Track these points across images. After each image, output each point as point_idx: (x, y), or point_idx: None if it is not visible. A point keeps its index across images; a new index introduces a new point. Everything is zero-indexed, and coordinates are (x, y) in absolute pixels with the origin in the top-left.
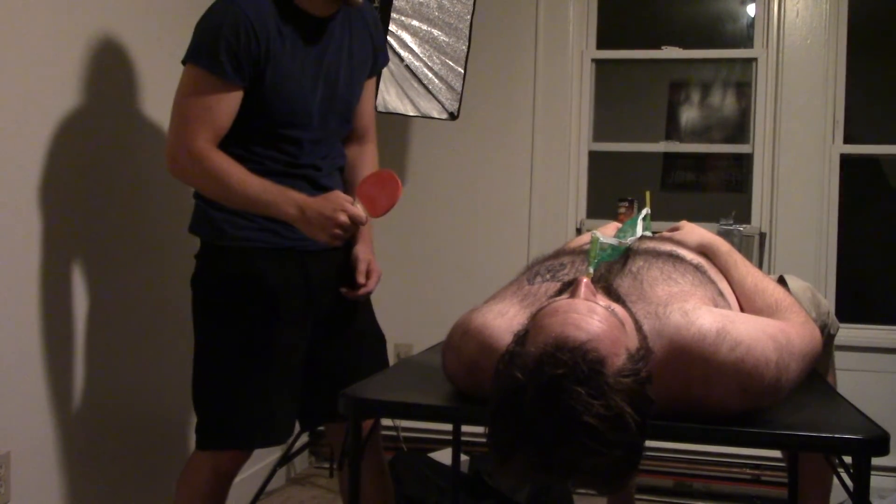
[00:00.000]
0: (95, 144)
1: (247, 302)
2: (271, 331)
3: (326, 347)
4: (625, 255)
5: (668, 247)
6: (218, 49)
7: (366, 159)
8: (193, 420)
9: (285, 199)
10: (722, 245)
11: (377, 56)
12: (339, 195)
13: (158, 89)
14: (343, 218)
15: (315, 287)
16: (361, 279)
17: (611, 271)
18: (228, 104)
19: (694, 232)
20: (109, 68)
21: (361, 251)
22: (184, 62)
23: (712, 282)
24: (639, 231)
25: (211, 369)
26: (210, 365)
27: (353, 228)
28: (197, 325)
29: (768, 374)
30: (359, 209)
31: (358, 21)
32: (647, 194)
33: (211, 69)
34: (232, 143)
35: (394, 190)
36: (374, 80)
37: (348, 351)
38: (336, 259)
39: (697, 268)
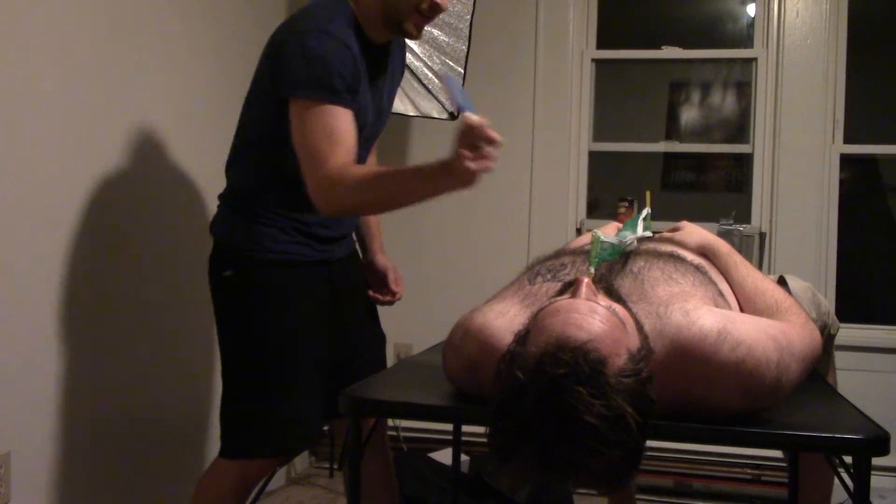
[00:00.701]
0: (96, 145)
1: (280, 313)
2: (302, 339)
3: (341, 349)
4: (625, 256)
5: (668, 247)
6: (332, 80)
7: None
8: (193, 420)
9: (442, 175)
10: (722, 246)
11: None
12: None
13: (167, 90)
14: (490, 150)
15: (337, 290)
16: (395, 287)
17: (612, 271)
18: (349, 124)
19: (694, 232)
20: (118, 68)
21: (384, 260)
22: (293, 96)
23: (713, 282)
24: (639, 231)
25: (243, 379)
26: (242, 374)
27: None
28: (226, 335)
29: (769, 375)
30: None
31: (401, 50)
32: (648, 194)
33: (329, 99)
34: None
35: None
36: None
37: (358, 352)
38: (354, 267)
39: (698, 268)
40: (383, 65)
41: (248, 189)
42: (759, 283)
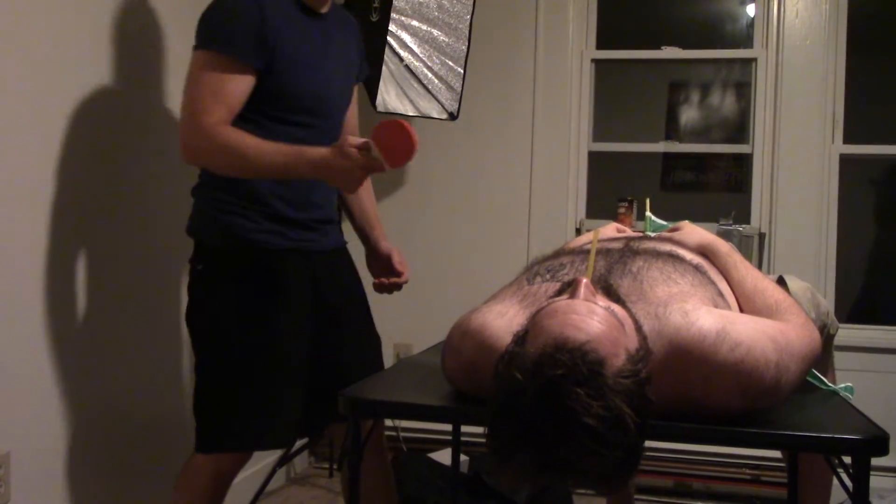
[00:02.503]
0: (97, 146)
1: (252, 304)
2: (276, 332)
3: (329, 349)
4: (624, 255)
5: (667, 247)
6: (229, 30)
7: None
8: (193, 420)
9: (302, 161)
10: (722, 245)
11: (362, 65)
12: (349, 150)
13: (164, 85)
14: (358, 175)
15: (322, 287)
16: (401, 267)
17: (611, 271)
18: (240, 84)
19: (694, 232)
20: (115, 64)
21: (387, 245)
22: (195, 48)
23: (712, 282)
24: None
25: (215, 372)
26: (214, 367)
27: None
28: (197, 329)
29: (768, 376)
30: (376, 157)
31: (347, 26)
32: (647, 202)
33: (222, 50)
34: (245, 129)
35: (410, 145)
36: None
37: (350, 352)
38: (344, 260)
39: (697, 268)
40: (323, 30)
41: (207, 177)
42: (759, 282)
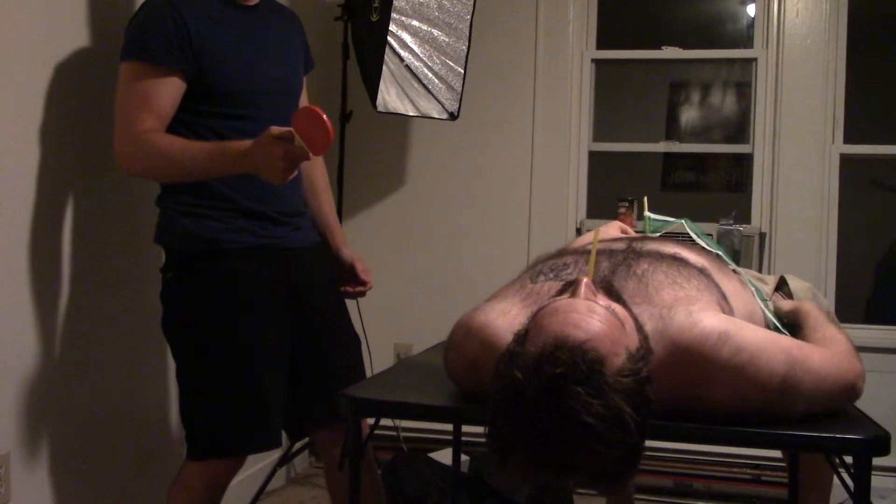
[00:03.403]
0: (99, 148)
1: (226, 305)
2: (254, 332)
3: (308, 351)
4: (629, 257)
5: (671, 249)
6: (147, 39)
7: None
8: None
9: (228, 157)
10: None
11: (307, 58)
12: (272, 140)
13: None
14: (280, 164)
15: (297, 286)
16: (365, 276)
17: (615, 273)
18: (167, 89)
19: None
20: (104, 68)
21: (349, 252)
22: (121, 60)
23: (717, 284)
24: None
25: (198, 378)
26: (197, 374)
27: (298, 164)
28: (175, 338)
29: (771, 387)
30: (300, 146)
31: (285, 19)
32: (645, 200)
33: (143, 58)
34: (185, 133)
35: (325, 131)
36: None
37: (329, 355)
38: (319, 259)
39: (702, 271)
40: (255, 20)
41: (167, 184)
42: (829, 333)
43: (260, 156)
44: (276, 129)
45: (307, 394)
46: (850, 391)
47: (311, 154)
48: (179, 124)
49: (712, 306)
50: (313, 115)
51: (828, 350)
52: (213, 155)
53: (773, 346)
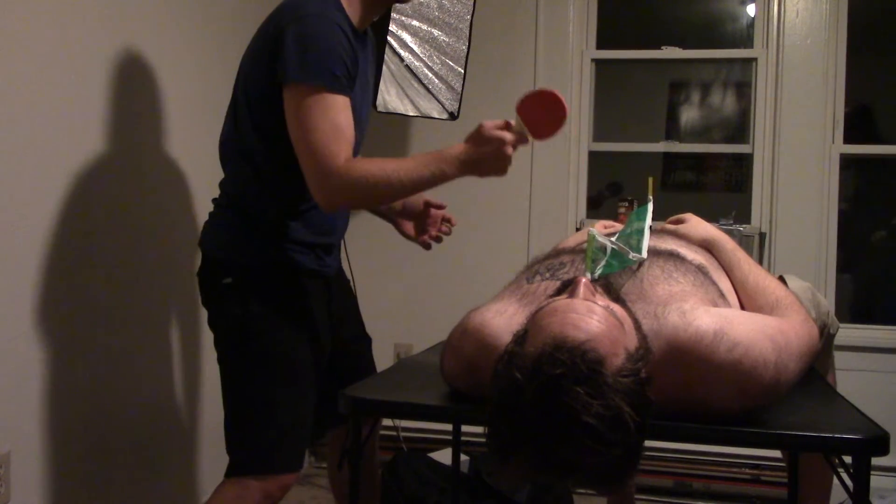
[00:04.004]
0: (98, 148)
1: (285, 317)
2: (309, 350)
3: (331, 378)
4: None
5: (669, 245)
6: (334, 66)
7: None
8: (194, 421)
9: (447, 163)
10: (727, 242)
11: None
12: (491, 131)
13: (169, 96)
14: (509, 152)
15: (334, 307)
16: (443, 213)
17: None
18: (349, 116)
19: (699, 226)
20: (122, 77)
21: (415, 200)
22: (291, 82)
23: (714, 283)
24: (645, 242)
25: (256, 392)
26: (254, 388)
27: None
28: (230, 350)
29: (767, 375)
30: (519, 132)
31: (370, 41)
32: (651, 181)
33: (328, 84)
34: (260, 150)
35: (560, 115)
36: None
37: (347, 357)
38: (344, 278)
39: (699, 268)
40: (365, 53)
41: (226, 198)
42: (762, 280)
43: (486, 151)
44: (489, 123)
45: (330, 395)
46: (815, 353)
47: (532, 139)
48: (261, 141)
49: (705, 303)
50: (547, 98)
51: (790, 324)
52: (434, 165)
53: (760, 336)
